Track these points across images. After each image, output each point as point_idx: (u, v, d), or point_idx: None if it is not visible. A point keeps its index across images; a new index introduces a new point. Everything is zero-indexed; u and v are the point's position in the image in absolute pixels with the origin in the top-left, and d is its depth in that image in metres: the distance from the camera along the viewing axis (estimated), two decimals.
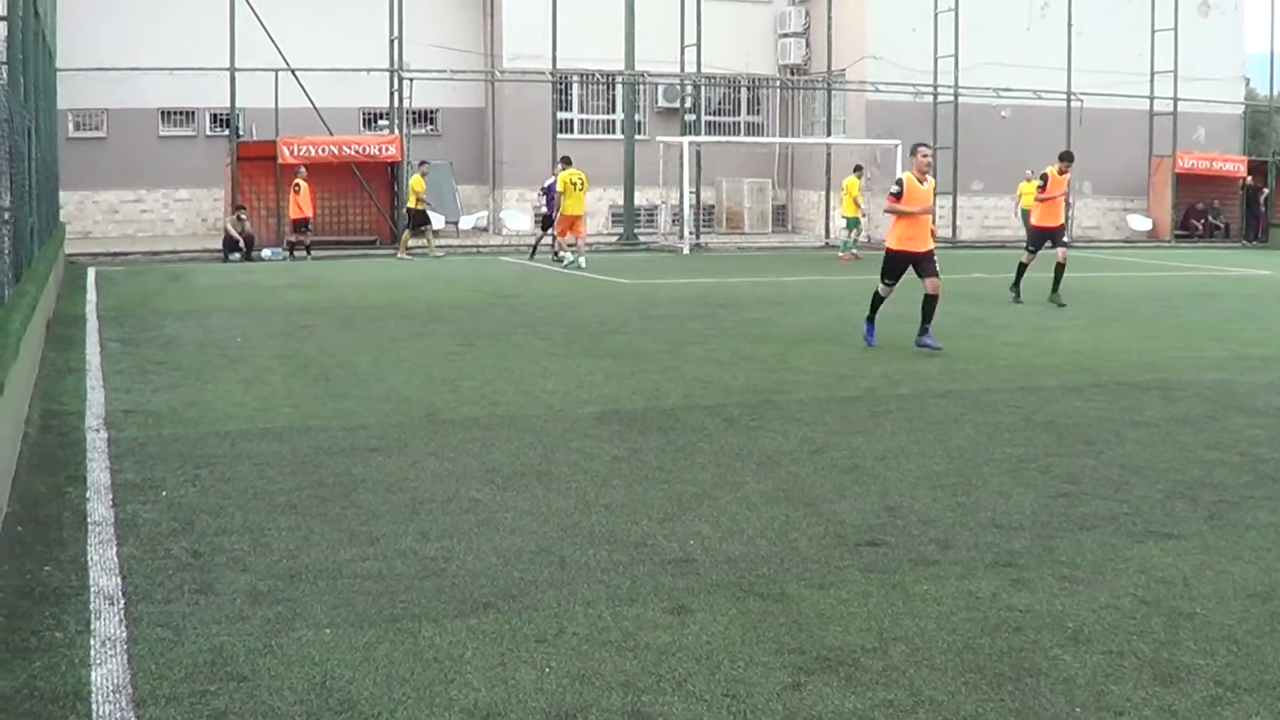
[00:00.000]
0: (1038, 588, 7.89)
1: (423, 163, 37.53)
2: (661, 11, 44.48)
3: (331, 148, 38.96)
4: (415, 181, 37.03)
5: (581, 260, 33.38)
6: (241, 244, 36.11)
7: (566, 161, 35.13)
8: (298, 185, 36.43)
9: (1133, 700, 6.28)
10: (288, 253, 36.66)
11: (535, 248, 37.74)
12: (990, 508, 9.73)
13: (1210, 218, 52.57)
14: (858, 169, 40.06)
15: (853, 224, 39.14)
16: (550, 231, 36.36)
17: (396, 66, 40.96)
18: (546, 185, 37.20)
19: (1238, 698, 6.35)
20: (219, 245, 37.10)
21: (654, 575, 8.01)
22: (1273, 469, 11.33)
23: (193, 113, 45.00)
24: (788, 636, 7.00)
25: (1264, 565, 8.48)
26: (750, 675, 6.48)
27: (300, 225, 36.96)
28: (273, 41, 38.12)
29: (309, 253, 36.62)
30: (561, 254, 34.57)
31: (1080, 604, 7.61)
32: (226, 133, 40.91)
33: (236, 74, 38.35)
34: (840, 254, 39.01)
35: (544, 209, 38.03)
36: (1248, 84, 63.79)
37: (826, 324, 21.20)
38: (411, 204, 37.25)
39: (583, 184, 34.34)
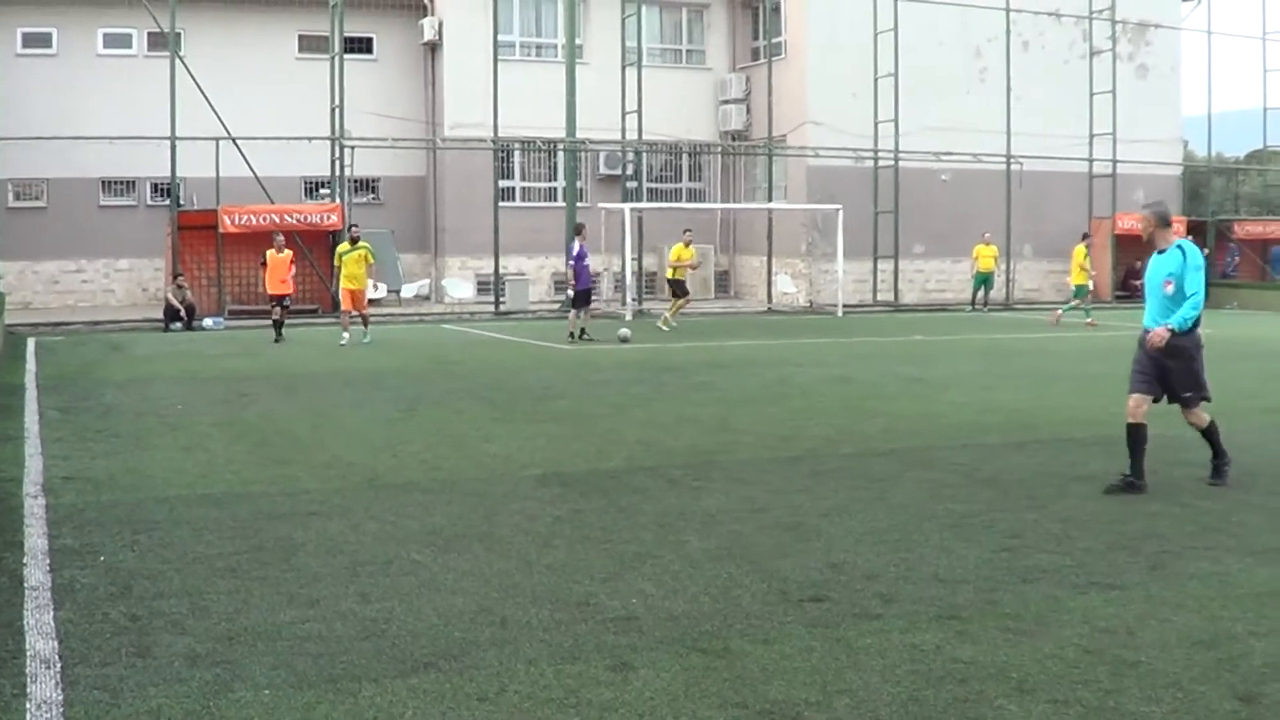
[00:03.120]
0: (982, 639, 7.90)
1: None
2: (602, 79, 44.76)
3: (273, 216, 38.75)
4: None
5: (354, 336, 30.11)
6: (182, 313, 35.80)
7: (352, 235, 31.38)
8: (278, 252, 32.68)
9: None
10: (276, 333, 31.88)
11: (578, 330, 32.76)
12: (933, 562, 9.75)
13: None
14: (1085, 237, 41.06)
15: (1081, 291, 39.54)
16: (579, 310, 32.76)
17: (338, 135, 40.99)
18: (577, 253, 33.02)
19: None
20: (160, 315, 36.76)
21: (596, 633, 7.97)
22: (1214, 520, 11.42)
23: (133, 182, 44.85)
24: (731, 691, 6.97)
25: (1207, 614, 8.52)
26: None
27: (279, 300, 32.27)
28: (214, 110, 38.11)
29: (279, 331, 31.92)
30: (573, 331, 32.40)
31: (1024, 654, 7.63)
32: (167, 202, 40.86)
33: (177, 142, 38.27)
34: (1060, 313, 39.22)
35: (575, 283, 33.20)
36: (1186, 145, 64.41)
37: (768, 386, 21.22)
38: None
39: (366, 257, 30.68)
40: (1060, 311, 38.93)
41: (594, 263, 44.00)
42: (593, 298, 33.91)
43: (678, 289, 36.05)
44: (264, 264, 32.67)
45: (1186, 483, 13.20)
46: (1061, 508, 11.87)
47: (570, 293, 33.17)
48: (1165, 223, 13.01)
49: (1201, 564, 9.88)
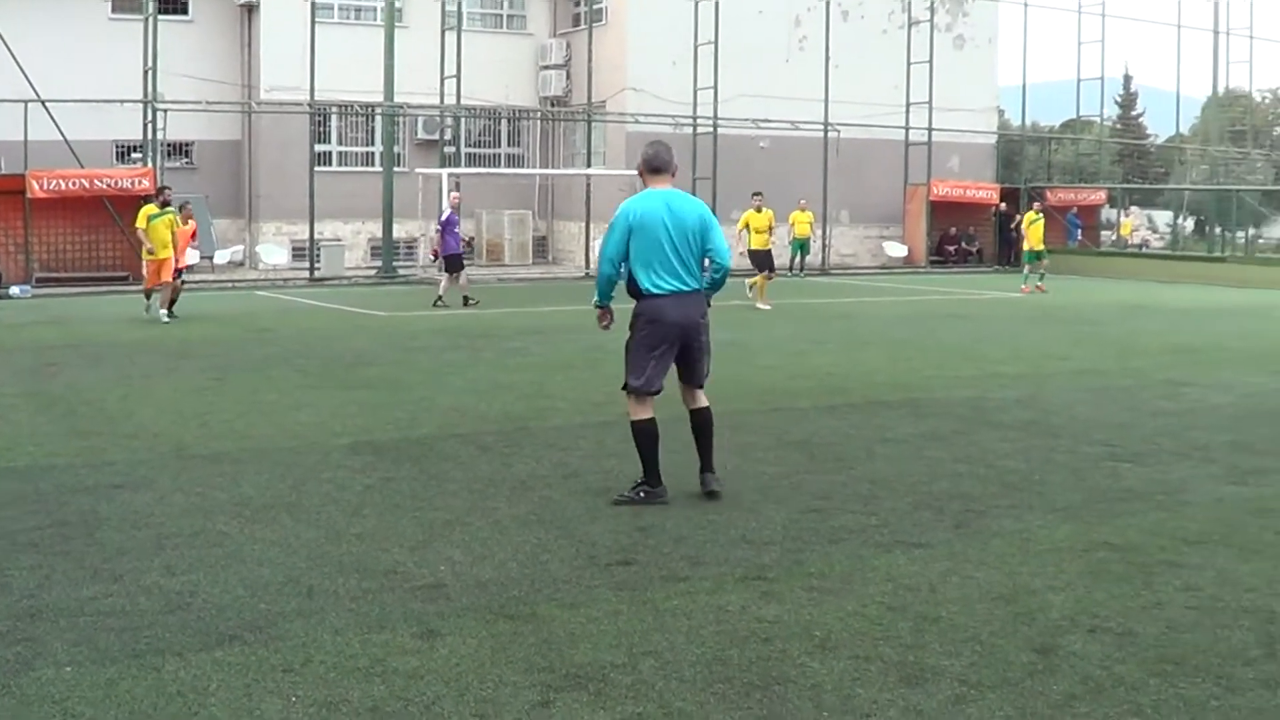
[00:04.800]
0: (786, 599, 7.99)
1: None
2: (422, 42, 44.45)
3: (83, 181, 38.06)
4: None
5: (162, 313, 27.68)
6: None
7: (164, 199, 28.82)
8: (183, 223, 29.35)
9: (879, 702, 6.40)
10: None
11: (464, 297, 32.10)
12: (741, 524, 9.85)
13: (964, 243, 53.76)
14: (1035, 204, 41.56)
15: (1031, 257, 40.09)
16: (453, 275, 32.10)
17: (150, 98, 40.29)
18: (446, 218, 32.31)
19: (981, 695, 6.51)
20: None
21: (404, 602, 7.95)
22: (1018, 479, 11.67)
23: None
24: (537, 656, 6.99)
25: (1007, 570, 8.72)
26: (499, 695, 6.46)
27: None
28: (22, 72, 37.34)
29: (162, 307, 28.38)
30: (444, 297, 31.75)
31: (828, 613, 7.74)
32: None
33: None
34: (1023, 286, 39.67)
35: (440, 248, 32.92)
36: (1001, 114, 65.40)
37: (584, 352, 21.22)
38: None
39: (173, 223, 28.17)
40: (1025, 286, 39.67)
41: (411, 228, 43.90)
42: (464, 262, 32.71)
43: (761, 260, 32.61)
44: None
45: (993, 443, 13.42)
46: (869, 469, 12.06)
47: (433, 258, 33.57)
48: (651, 169, 10.79)
49: (1004, 522, 10.10)
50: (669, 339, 10.64)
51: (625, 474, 11.45)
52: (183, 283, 29.14)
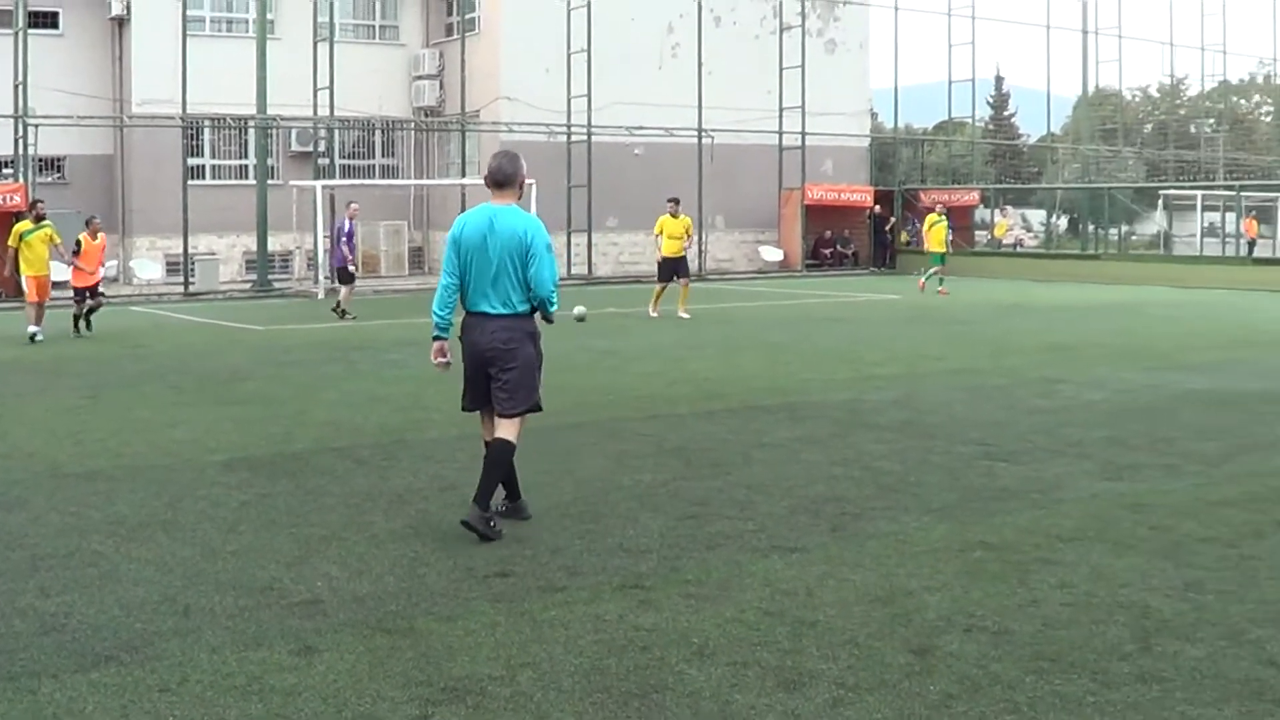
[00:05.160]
0: (664, 607, 8.01)
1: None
2: (294, 54, 44.16)
3: None
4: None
5: (33, 329, 26.36)
6: None
7: (37, 213, 27.91)
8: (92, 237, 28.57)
9: (757, 707, 6.43)
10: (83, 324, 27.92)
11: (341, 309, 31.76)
12: (618, 533, 9.86)
13: (839, 246, 54.13)
14: (938, 206, 41.76)
15: (936, 259, 40.31)
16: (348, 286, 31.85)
17: (21, 113, 39.81)
18: (348, 230, 31.89)
19: (859, 698, 6.55)
20: None
21: (281, 618, 7.88)
22: (894, 481, 11.77)
23: None
24: (415, 670, 6.96)
25: (884, 571, 8.79)
26: (377, 710, 6.42)
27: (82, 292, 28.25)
28: None
29: (83, 324, 27.96)
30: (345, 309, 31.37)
31: (706, 619, 7.76)
32: None
33: None
34: (928, 285, 39.93)
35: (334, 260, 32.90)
36: (874, 117, 65.91)
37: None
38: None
39: (51, 237, 27.30)
40: (923, 280, 40.12)
41: (286, 241, 43.62)
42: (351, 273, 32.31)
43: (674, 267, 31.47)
44: (77, 251, 27.92)
45: (869, 445, 13.51)
46: (746, 474, 12.11)
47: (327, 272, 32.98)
48: (494, 183, 10.28)
49: (880, 524, 10.18)
50: (474, 362, 10.22)
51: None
52: (99, 303, 28.45)
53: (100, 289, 28.96)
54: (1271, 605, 8.08)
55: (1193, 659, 7.13)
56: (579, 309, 29.01)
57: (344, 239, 31.66)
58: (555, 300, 10.11)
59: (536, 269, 9.88)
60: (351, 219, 31.94)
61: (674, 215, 31.20)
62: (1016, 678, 6.82)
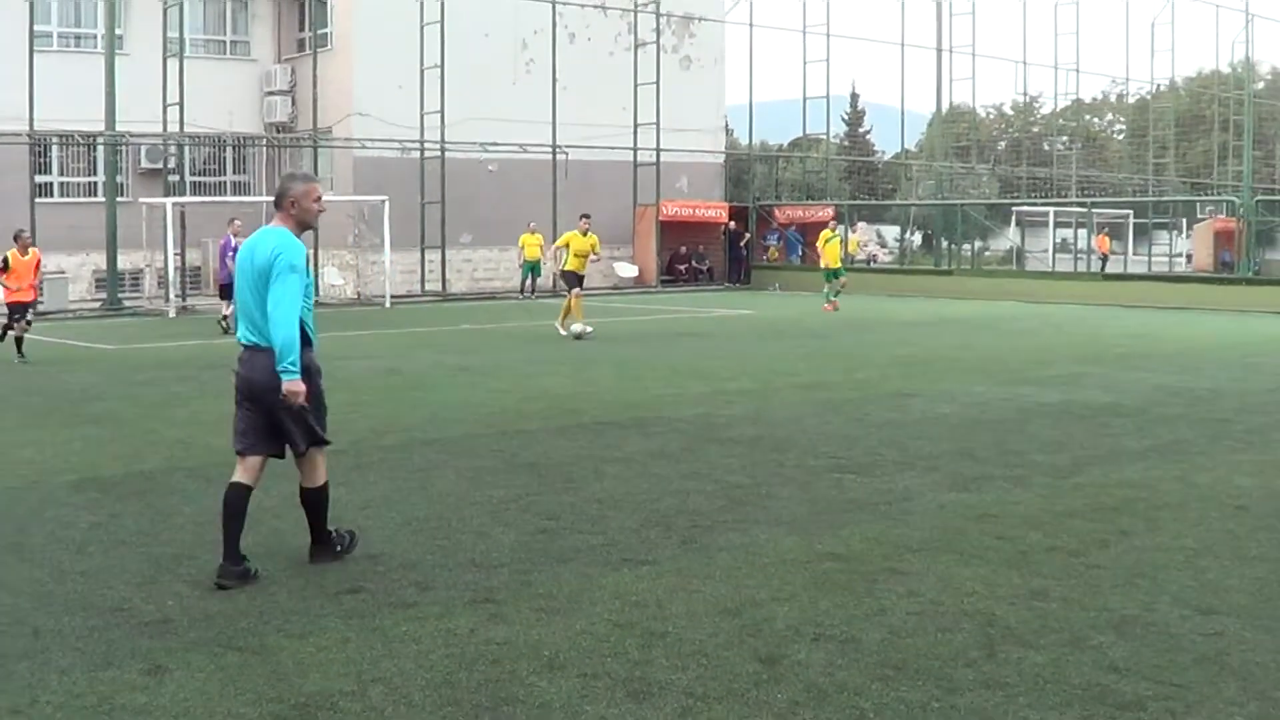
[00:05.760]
0: (515, 620, 8.05)
1: None
2: (143, 70, 43.64)
3: None
4: None
5: None
6: None
7: None
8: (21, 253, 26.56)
9: (606, 718, 6.51)
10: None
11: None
12: (470, 548, 9.88)
13: (694, 262, 54.40)
14: (832, 223, 42.59)
15: (830, 275, 40.38)
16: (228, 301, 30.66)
17: None
18: (232, 247, 31.06)
19: (708, 707, 6.63)
20: None
21: (131, 638, 7.83)
22: (744, 494, 11.88)
23: None
24: (266, 687, 6.94)
25: (733, 583, 8.88)
26: None
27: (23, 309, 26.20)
28: None
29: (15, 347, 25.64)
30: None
31: (556, 632, 7.82)
32: None
33: None
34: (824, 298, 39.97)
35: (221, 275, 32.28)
36: (729, 134, 66.30)
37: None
38: None
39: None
40: (832, 300, 40.01)
41: (136, 259, 43.11)
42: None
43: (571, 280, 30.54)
44: (5, 268, 25.99)
45: (720, 459, 13.62)
46: (598, 489, 12.17)
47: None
48: (275, 204, 9.64)
49: (731, 536, 10.28)
50: (243, 395, 9.34)
51: (350, 503, 11.39)
52: (29, 322, 26.41)
53: (31, 310, 26.97)
54: (1114, 612, 8.25)
55: (1036, 665, 7.27)
56: (576, 327, 28.77)
57: (228, 255, 31.35)
58: (289, 346, 8.96)
59: (271, 299, 9.02)
60: (235, 235, 31.75)
61: (584, 233, 30.05)
62: (863, 685, 6.93)
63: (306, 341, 9.17)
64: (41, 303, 28.47)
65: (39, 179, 43.52)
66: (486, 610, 8.27)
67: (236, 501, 9.24)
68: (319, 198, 9.52)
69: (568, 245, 30.36)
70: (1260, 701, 6.75)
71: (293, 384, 8.93)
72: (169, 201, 41.41)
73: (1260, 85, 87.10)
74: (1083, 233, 58.23)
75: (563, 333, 29.49)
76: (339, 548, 9.63)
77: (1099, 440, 15.22)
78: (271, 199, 9.38)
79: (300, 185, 9.42)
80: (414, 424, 16.28)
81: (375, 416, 16.97)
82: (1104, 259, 60.43)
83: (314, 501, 9.61)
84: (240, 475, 9.30)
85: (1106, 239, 62.87)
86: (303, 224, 9.45)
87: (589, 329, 29.18)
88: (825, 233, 41.57)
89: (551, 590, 8.71)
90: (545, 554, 9.71)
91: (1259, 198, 52.85)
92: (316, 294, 44.36)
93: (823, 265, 41.17)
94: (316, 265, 45.54)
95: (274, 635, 7.84)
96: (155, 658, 7.47)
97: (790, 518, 10.94)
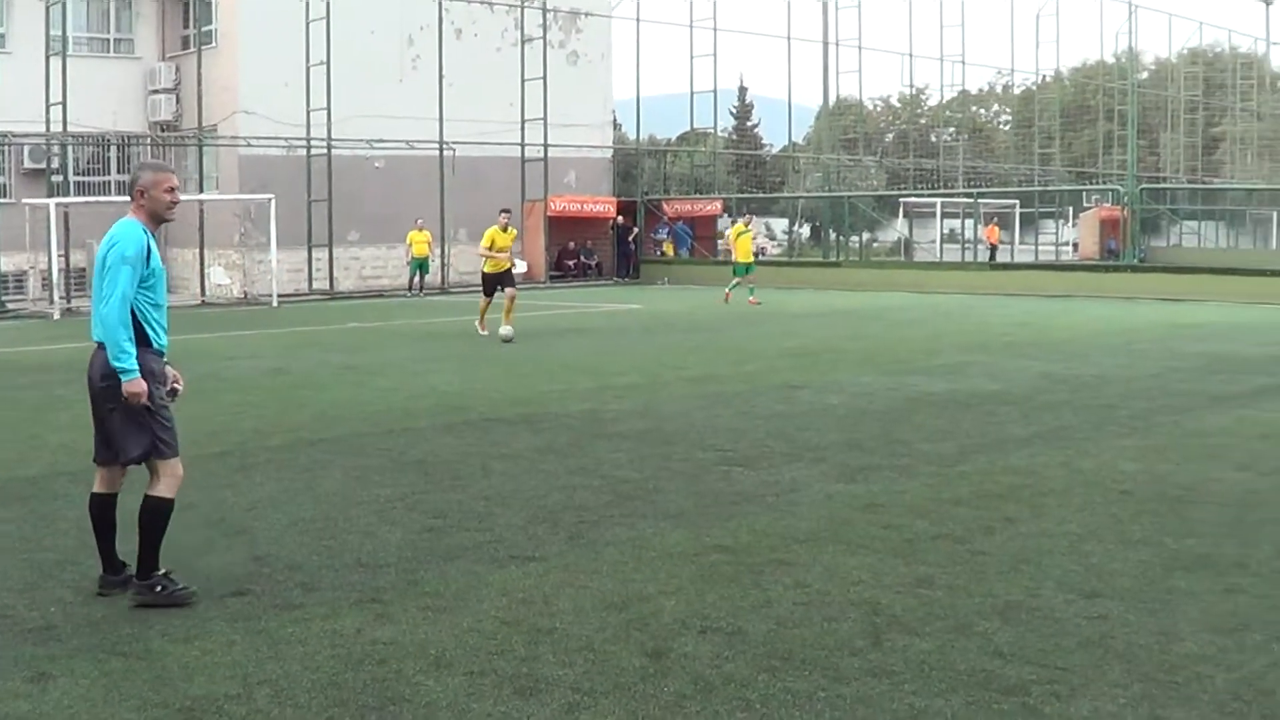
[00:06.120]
0: (401, 620, 8.03)
1: None
2: (25, 68, 43.22)
3: None
4: None
5: None
6: None
7: None
8: None
9: (493, 715, 6.50)
10: None
11: None
12: (357, 548, 9.84)
13: (583, 257, 54.44)
14: (744, 217, 43.04)
15: (740, 270, 40.08)
16: None
17: None
18: None
19: (594, 702, 6.65)
20: None
21: (13, 645, 7.73)
22: (632, 488, 11.91)
23: None
24: (151, 692, 6.88)
25: (620, 578, 8.91)
26: None
27: None
28: None
29: None
30: None
31: (443, 630, 7.80)
32: None
33: None
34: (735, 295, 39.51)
35: None
36: (618, 128, 66.39)
37: (199, 381, 20.72)
38: None
39: None
40: (729, 291, 40.00)
41: (20, 261, 42.64)
42: None
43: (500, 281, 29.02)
44: None
45: (608, 454, 13.65)
46: (485, 486, 12.15)
47: None
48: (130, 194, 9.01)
49: (618, 530, 10.32)
50: (90, 396, 8.91)
51: (237, 504, 11.34)
52: None
53: None
54: (999, 599, 8.35)
55: (922, 652, 7.34)
56: (505, 330, 27.12)
57: None
58: (117, 343, 8.47)
59: (106, 289, 8.59)
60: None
61: (504, 228, 28.94)
62: (749, 676, 6.97)
63: (145, 341, 8.64)
64: None
65: None
66: (373, 610, 8.23)
67: (97, 511, 9.02)
68: (171, 188, 8.95)
69: (493, 244, 28.89)
70: (1144, 683, 6.85)
71: (131, 384, 8.41)
72: (52, 202, 40.99)
73: (1144, 75, 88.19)
74: (970, 223, 58.77)
75: (481, 332, 28.50)
76: (158, 588, 8.60)
77: (985, 428, 15.39)
78: None
79: (150, 175, 8.90)
80: (300, 424, 16.18)
81: (261, 417, 16.85)
82: (993, 249, 61.07)
83: (148, 515, 8.81)
84: (97, 484, 9.07)
85: (996, 229, 63.53)
86: (155, 216, 8.92)
87: (486, 332, 28.58)
88: (737, 227, 41.54)
89: (438, 589, 8.69)
90: (432, 552, 9.68)
91: (1143, 186, 53.58)
92: (203, 294, 44.16)
93: (734, 260, 40.98)
94: (201, 264, 45.29)
95: (158, 640, 7.77)
96: (39, 665, 7.38)
97: (678, 511, 10.99)
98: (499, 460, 13.43)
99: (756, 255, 57.33)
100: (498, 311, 28.19)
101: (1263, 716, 6.45)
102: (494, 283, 28.82)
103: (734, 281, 40.28)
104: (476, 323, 29.02)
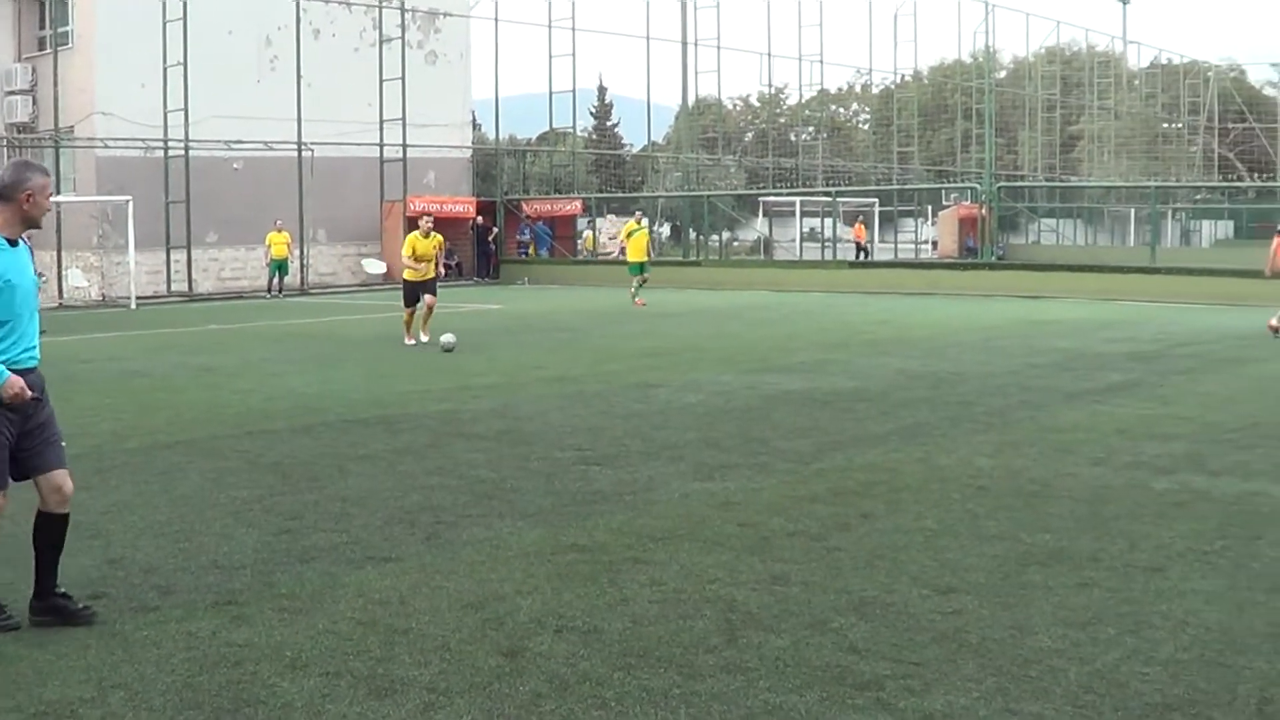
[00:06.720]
0: (257, 621, 8.01)
1: None
2: None
3: None
4: None
5: None
6: None
7: None
8: None
9: (349, 716, 6.50)
10: None
11: None
12: (213, 550, 9.79)
13: (443, 258, 54.26)
14: (637, 215, 42.50)
15: (635, 269, 39.46)
16: None
17: None
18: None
19: (450, 701, 6.67)
20: None
21: None
22: (489, 488, 11.94)
23: None
24: (4, 697, 6.83)
25: (477, 578, 8.94)
26: None
27: None
28: None
29: None
30: None
31: (299, 632, 7.79)
32: None
33: None
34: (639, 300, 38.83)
35: None
36: (477, 128, 66.26)
37: (53, 385, 20.58)
38: None
39: None
40: (634, 293, 39.49)
41: None
42: None
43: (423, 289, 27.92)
44: None
45: (465, 454, 13.67)
46: (342, 487, 12.14)
47: None
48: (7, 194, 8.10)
49: (475, 530, 10.33)
50: None
51: (92, 507, 11.20)
52: None
53: None
54: (854, 594, 8.45)
55: (777, 649, 7.42)
56: (447, 337, 25.69)
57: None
58: None
59: None
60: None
61: (426, 234, 27.65)
62: (605, 674, 7.02)
63: None
64: None
65: None
66: (229, 612, 8.20)
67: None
68: (50, 194, 8.40)
69: (414, 251, 27.52)
70: (997, 677, 6.97)
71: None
72: None
73: (1001, 74, 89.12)
74: (829, 221, 59.20)
75: (423, 339, 27.03)
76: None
77: (843, 425, 15.54)
78: None
79: (40, 178, 8.13)
80: (158, 426, 16.05)
81: (119, 420, 16.68)
82: (861, 247, 61.51)
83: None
84: None
85: (863, 227, 63.98)
86: (29, 220, 8.24)
87: (413, 341, 27.18)
88: (630, 225, 41.27)
89: (294, 590, 8.68)
90: (288, 554, 9.65)
91: (1001, 184, 54.25)
92: (60, 296, 43.61)
93: (629, 259, 40.56)
94: (59, 266, 44.75)
95: (11, 644, 7.70)
96: None
97: (535, 510, 11.03)
98: (356, 461, 13.41)
99: (616, 254, 57.52)
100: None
101: (1115, 709, 6.56)
102: (415, 291, 27.51)
103: (635, 282, 39.48)
104: (405, 335, 27.53)
